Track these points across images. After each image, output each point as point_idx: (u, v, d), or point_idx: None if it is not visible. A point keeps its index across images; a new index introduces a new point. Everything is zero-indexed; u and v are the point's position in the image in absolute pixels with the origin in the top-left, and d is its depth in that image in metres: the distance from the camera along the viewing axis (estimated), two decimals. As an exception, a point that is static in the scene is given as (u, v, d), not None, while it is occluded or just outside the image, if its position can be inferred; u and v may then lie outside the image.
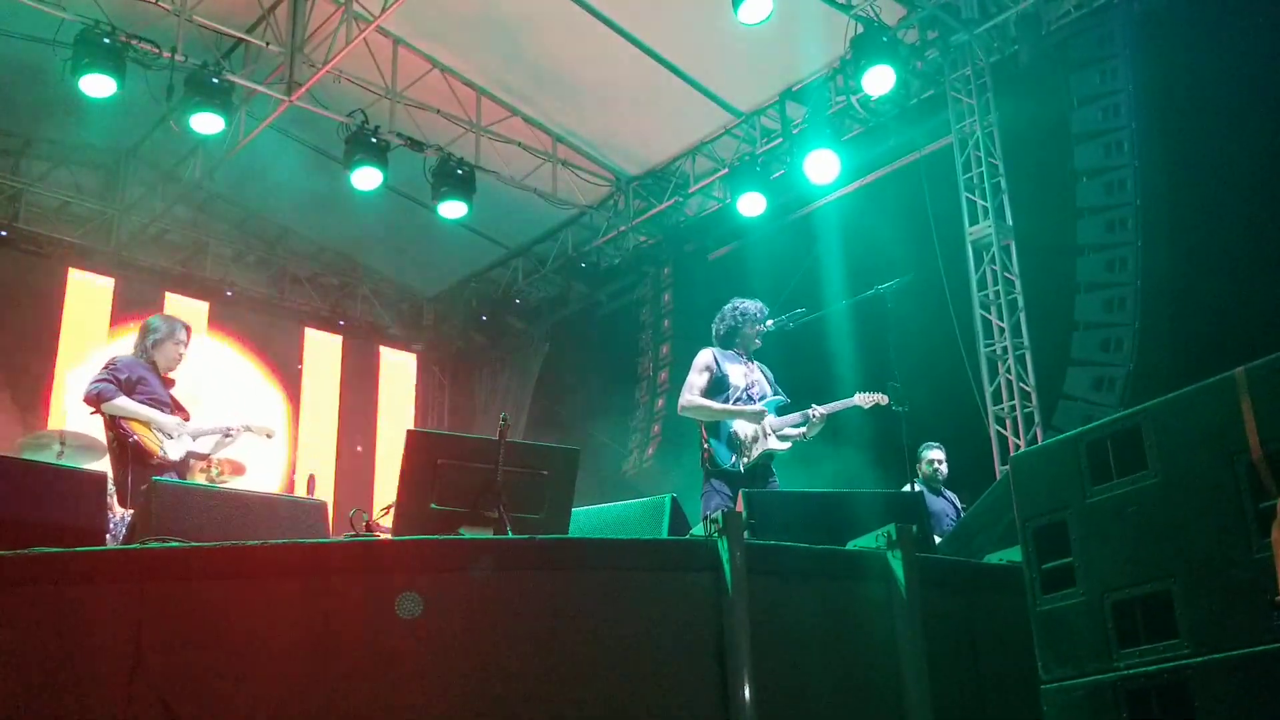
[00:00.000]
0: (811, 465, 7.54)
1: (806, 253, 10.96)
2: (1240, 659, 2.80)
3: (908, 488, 8.43)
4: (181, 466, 6.62)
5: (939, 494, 9.00)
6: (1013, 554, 3.90)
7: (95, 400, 6.41)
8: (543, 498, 4.47)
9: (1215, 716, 2.83)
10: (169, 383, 6.82)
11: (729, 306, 7.06)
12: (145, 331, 6.85)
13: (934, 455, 9.08)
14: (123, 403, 6.42)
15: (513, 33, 11.30)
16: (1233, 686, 2.81)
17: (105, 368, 6.60)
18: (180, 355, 6.84)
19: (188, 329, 6.93)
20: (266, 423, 7.40)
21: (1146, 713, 2.98)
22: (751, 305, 7.03)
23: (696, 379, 6.83)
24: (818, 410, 6.77)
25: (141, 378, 6.60)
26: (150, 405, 6.53)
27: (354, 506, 5.13)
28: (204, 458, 6.89)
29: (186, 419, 6.73)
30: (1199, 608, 2.93)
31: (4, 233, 12.68)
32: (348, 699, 3.26)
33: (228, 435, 6.88)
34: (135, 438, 6.39)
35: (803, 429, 6.80)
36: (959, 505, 8.97)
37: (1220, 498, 2.92)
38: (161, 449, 6.44)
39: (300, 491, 11.80)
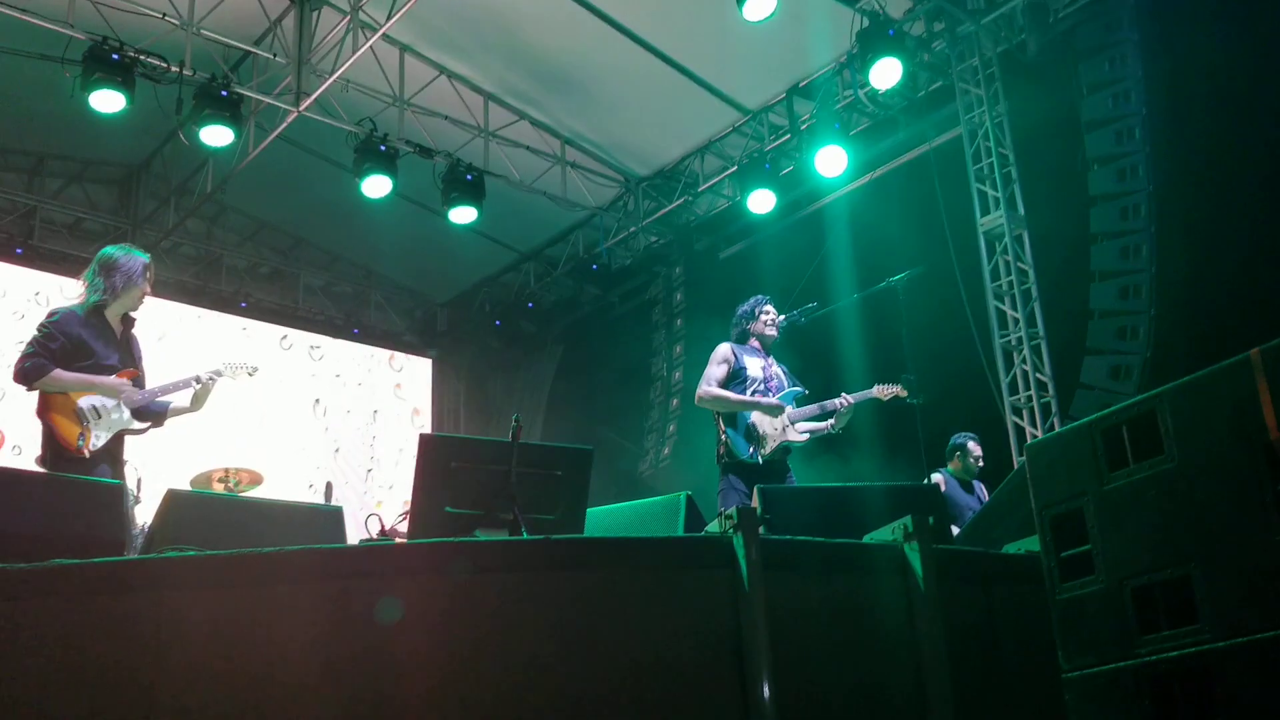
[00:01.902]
0: (828, 460, 7.54)
1: (818, 248, 10.97)
2: (1262, 643, 2.78)
3: (936, 478, 8.45)
4: (115, 448, 5.81)
5: (969, 487, 8.95)
6: (1031, 543, 3.88)
7: (24, 379, 5.63)
8: (557, 498, 4.47)
9: (1237, 701, 2.81)
10: (128, 323, 6.03)
11: (732, 316, 7.20)
12: (106, 271, 5.92)
13: (976, 450, 9.02)
14: (58, 375, 5.61)
15: (518, 37, 11.31)
16: (1255, 671, 2.79)
17: (37, 332, 5.73)
18: (144, 295, 6.01)
19: (149, 266, 6.04)
20: (245, 361, 6.61)
21: (1169, 699, 2.96)
22: (746, 303, 7.18)
23: (715, 370, 6.91)
24: (847, 398, 6.82)
25: (80, 339, 5.75)
26: (91, 371, 5.73)
27: (369, 512, 5.07)
28: (155, 417, 6.01)
29: (137, 374, 5.95)
30: (1219, 592, 2.90)
31: (19, 250, 12.75)
32: (369, 703, 3.26)
33: (198, 381, 6.09)
34: (53, 427, 5.63)
35: (828, 421, 6.84)
36: (985, 500, 8.93)
37: (1238, 480, 2.89)
38: (80, 440, 5.60)
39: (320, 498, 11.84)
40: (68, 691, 3.11)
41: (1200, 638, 2.91)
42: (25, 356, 5.67)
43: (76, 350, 5.74)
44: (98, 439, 5.69)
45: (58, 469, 5.53)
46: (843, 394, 6.86)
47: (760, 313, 7.10)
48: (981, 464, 8.99)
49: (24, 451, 11.08)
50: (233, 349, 13.77)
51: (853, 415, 6.90)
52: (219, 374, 6.30)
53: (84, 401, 5.71)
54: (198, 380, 6.12)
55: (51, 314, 5.88)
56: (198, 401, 6.19)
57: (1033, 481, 3.48)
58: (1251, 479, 2.86)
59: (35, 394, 5.74)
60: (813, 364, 7.69)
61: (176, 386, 6.11)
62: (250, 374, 6.58)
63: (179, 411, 6.18)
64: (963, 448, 8.98)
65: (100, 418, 5.73)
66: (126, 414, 5.85)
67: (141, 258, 6.02)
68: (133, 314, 6.04)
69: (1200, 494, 2.98)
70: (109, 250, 6.08)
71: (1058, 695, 3.25)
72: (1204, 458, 2.99)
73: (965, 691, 3.65)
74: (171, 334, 12.92)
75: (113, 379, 5.79)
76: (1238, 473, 2.89)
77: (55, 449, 5.63)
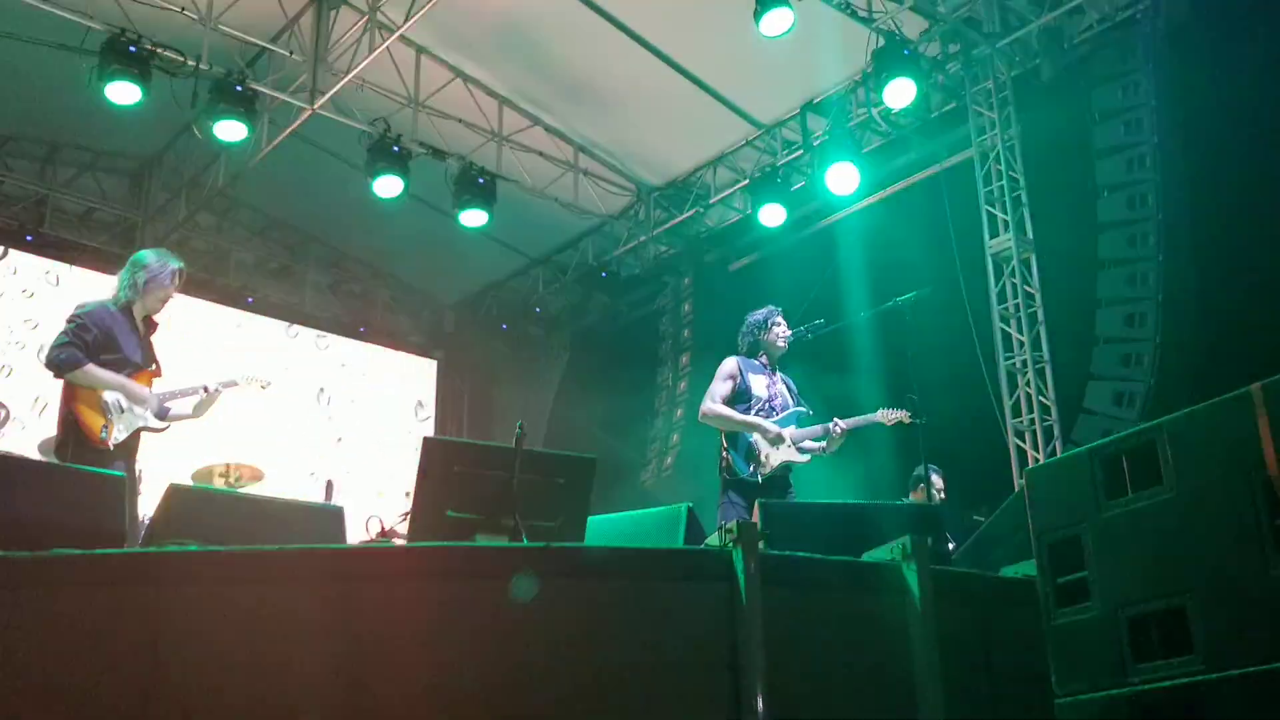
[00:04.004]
0: (829, 477, 7.53)
1: (826, 264, 10.97)
2: (1255, 676, 2.79)
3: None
4: (132, 443, 5.95)
5: None
6: (1028, 568, 3.89)
7: (57, 369, 5.77)
8: (558, 506, 4.48)
9: (1229, 733, 2.82)
10: (151, 326, 6.21)
11: (743, 324, 7.14)
12: (134, 268, 6.11)
13: (939, 483, 8.93)
14: (91, 371, 5.76)
15: (535, 43, 11.35)
16: (1247, 703, 2.80)
17: (70, 323, 5.88)
18: (168, 298, 6.17)
19: (180, 272, 6.19)
20: (258, 374, 6.87)
21: (1161, 729, 2.97)
22: (760, 312, 7.11)
23: (719, 387, 6.87)
24: (839, 425, 6.79)
25: (110, 332, 5.92)
26: (117, 366, 5.89)
27: (370, 502, 5.09)
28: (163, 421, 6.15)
29: (159, 374, 6.13)
30: (1214, 624, 2.92)
31: (29, 238, 12.79)
32: (364, 704, 3.27)
33: (206, 391, 6.28)
34: (78, 417, 5.75)
35: (823, 444, 6.82)
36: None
37: (1236, 513, 2.91)
38: (104, 432, 5.74)
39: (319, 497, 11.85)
40: (65, 681, 3.13)
41: (1194, 669, 2.92)
42: (59, 346, 5.80)
43: (107, 343, 5.91)
44: (120, 433, 5.84)
45: (79, 459, 5.63)
46: (835, 420, 6.82)
47: (773, 324, 7.04)
48: (944, 496, 8.92)
49: (27, 427, 11.20)
50: (239, 335, 13.85)
51: (848, 438, 6.86)
52: (234, 384, 6.52)
53: (109, 395, 5.86)
54: (205, 390, 6.31)
55: (83, 305, 6.03)
56: (200, 409, 6.36)
57: (1031, 506, 3.49)
58: (1249, 512, 2.87)
59: (47, 374, 5.90)
60: (819, 380, 7.69)
61: (185, 393, 6.27)
62: (263, 387, 6.85)
63: (179, 418, 6.32)
64: (926, 480, 8.91)
65: (123, 412, 5.88)
66: (149, 413, 6.02)
67: (172, 263, 6.19)
68: (155, 317, 6.21)
69: (1198, 525, 2.99)
70: (142, 253, 6.29)
71: (1051, 719, 3.26)
72: (1203, 490, 3.00)
73: (958, 712, 3.66)
74: (177, 319, 12.95)
75: (142, 388, 5.98)
76: (1236, 506, 2.90)
77: (78, 438, 5.75)
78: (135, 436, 6.00)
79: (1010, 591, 4.14)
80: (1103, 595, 3.19)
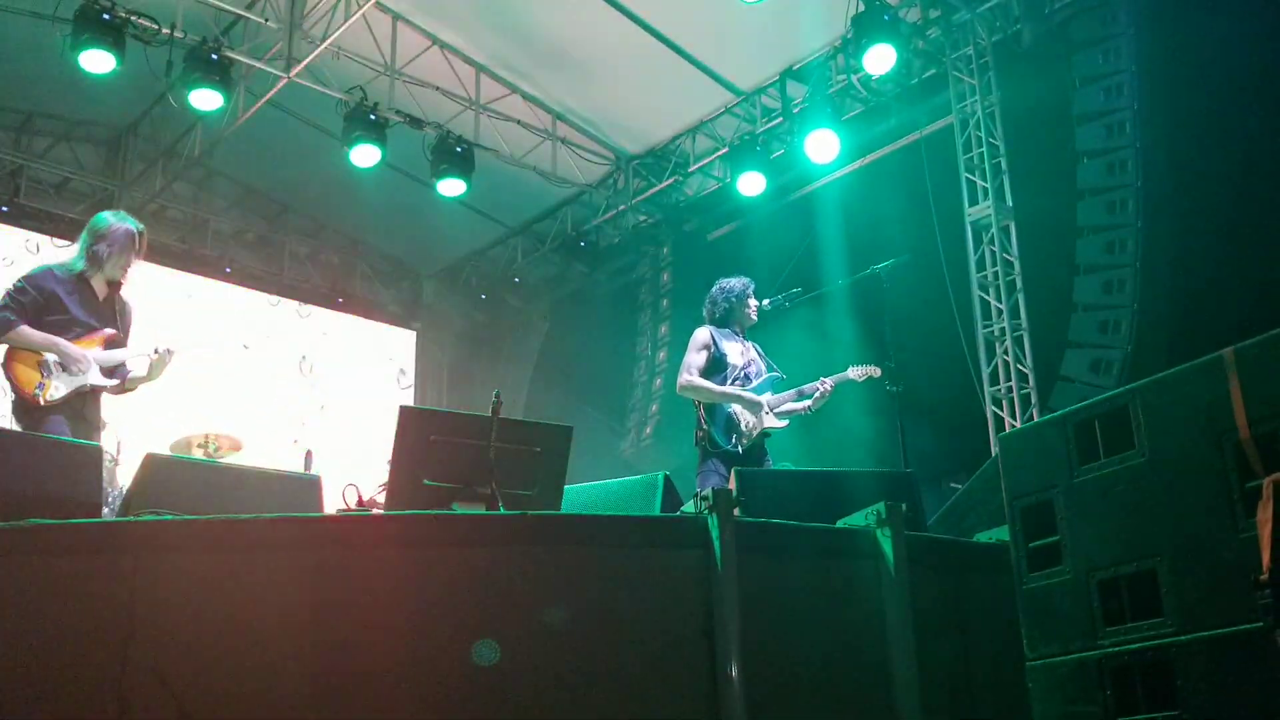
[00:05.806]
0: (805, 444, 7.53)
1: (806, 232, 10.95)
2: (1224, 638, 2.82)
3: None
4: (78, 402, 5.78)
5: None
6: (1002, 533, 3.92)
7: None
8: (535, 474, 4.47)
9: (1198, 694, 2.85)
10: (113, 287, 6.05)
11: (715, 289, 7.05)
12: (93, 236, 5.97)
13: None
14: (24, 332, 5.65)
15: (513, 9, 11.26)
16: (1216, 665, 2.83)
17: (12, 287, 5.80)
18: (130, 264, 6.00)
19: (141, 235, 6.05)
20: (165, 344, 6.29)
21: (1130, 690, 3.01)
22: (736, 282, 7.02)
23: (695, 358, 6.80)
24: (827, 382, 6.79)
25: (54, 295, 5.80)
26: (63, 326, 5.77)
27: (347, 482, 5.00)
28: (117, 379, 5.98)
29: (119, 336, 6.00)
30: (1184, 587, 2.95)
31: (5, 208, 12.68)
32: (339, 671, 3.28)
33: (156, 353, 6.03)
34: (13, 376, 5.65)
35: (805, 403, 6.81)
36: None
37: (1207, 477, 2.93)
38: (38, 389, 5.63)
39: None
40: (41, 650, 3.13)
41: (1163, 631, 2.95)
42: None
43: (49, 305, 5.79)
44: (56, 390, 5.70)
45: (20, 419, 5.64)
46: (821, 378, 6.83)
47: (749, 297, 7.01)
48: None
49: (6, 394, 11.12)
50: (221, 302, 13.81)
51: (830, 398, 6.87)
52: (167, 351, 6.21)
53: (48, 355, 5.74)
54: (156, 351, 6.09)
55: (31, 270, 5.94)
56: (155, 371, 6.12)
57: (1005, 472, 3.52)
58: (1220, 476, 2.89)
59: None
60: (796, 348, 7.69)
61: (131, 354, 6.07)
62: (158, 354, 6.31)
63: (138, 380, 6.13)
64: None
65: (63, 371, 5.74)
66: (92, 371, 5.83)
67: (131, 226, 6.03)
68: (121, 279, 6.04)
69: (1169, 490, 3.01)
70: (101, 216, 6.11)
71: (1022, 682, 3.29)
72: (1174, 454, 3.02)
73: (932, 674, 3.69)
74: (157, 289, 12.89)
75: (75, 348, 5.79)
76: (1207, 470, 2.93)
77: (18, 398, 5.68)
78: (88, 402, 5.86)
79: (983, 556, 4.17)
80: (1074, 559, 3.21)
